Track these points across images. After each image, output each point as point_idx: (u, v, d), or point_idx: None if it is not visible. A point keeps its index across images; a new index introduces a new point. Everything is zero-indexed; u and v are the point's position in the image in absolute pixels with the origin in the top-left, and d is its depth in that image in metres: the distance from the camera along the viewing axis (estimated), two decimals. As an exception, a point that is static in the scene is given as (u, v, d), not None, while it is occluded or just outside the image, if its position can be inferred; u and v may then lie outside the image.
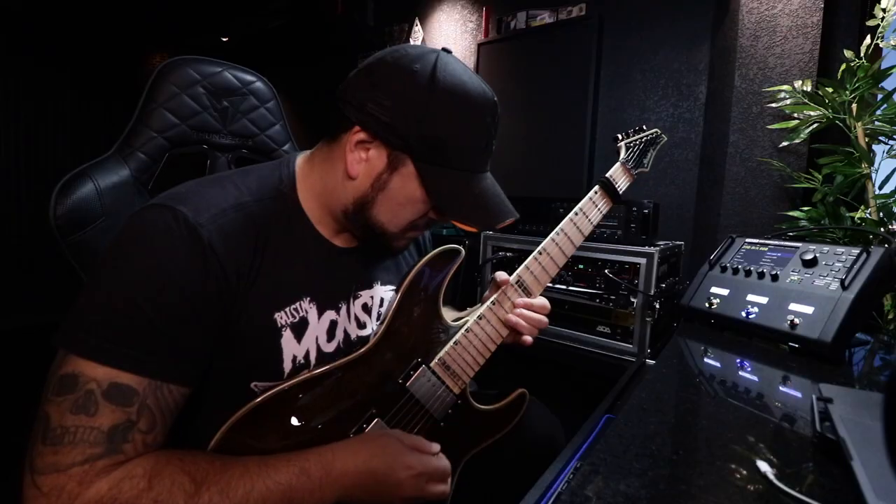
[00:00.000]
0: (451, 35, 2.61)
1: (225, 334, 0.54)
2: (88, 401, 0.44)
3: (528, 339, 0.72)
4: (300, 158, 0.65)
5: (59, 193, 0.65)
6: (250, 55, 3.67)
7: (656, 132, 0.88)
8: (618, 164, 0.80)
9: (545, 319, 0.73)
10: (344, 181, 0.60)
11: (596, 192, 0.77)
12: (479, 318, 0.70)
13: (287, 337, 0.58)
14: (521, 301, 0.72)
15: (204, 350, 0.52)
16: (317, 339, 0.62)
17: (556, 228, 0.74)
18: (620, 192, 0.79)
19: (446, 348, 0.68)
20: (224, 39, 3.86)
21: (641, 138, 0.86)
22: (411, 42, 2.77)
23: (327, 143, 0.62)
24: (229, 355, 0.55)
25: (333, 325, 0.64)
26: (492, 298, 0.71)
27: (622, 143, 0.84)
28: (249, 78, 0.88)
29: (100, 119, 3.82)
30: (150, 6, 3.56)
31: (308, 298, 0.61)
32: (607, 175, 0.78)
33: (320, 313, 0.62)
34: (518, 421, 0.76)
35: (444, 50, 0.60)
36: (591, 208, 0.77)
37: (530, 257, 0.73)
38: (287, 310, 0.58)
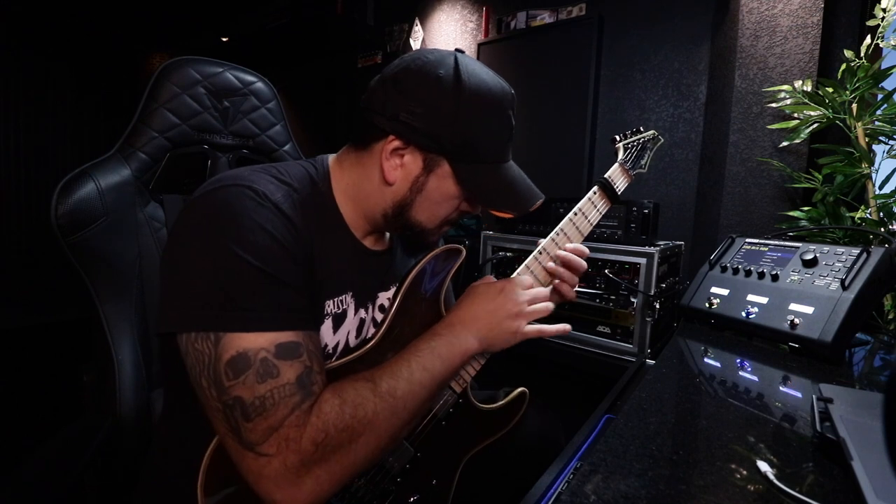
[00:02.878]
0: (451, 35, 2.61)
1: None
2: (268, 366, 0.46)
3: (570, 291, 0.74)
4: (331, 160, 0.66)
5: (60, 193, 0.66)
6: (250, 55, 3.68)
7: (654, 133, 0.89)
8: (616, 164, 0.80)
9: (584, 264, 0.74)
10: (381, 187, 0.61)
11: (595, 193, 0.77)
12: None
13: (327, 325, 0.60)
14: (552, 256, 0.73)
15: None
16: (348, 333, 0.64)
17: (556, 228, 0.74)
18: (619, 193, 0.79)
19: (447, 348, 0.68)
20: (224, 39, 3.86)
21: (639, 139, 0.86)
22: (411, 42, 2.77)
23: (356, 149, 0.63)
24: None
25: (362, 323, 0.66)
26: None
27: (620, 144, 0.84)
28: (250, 78, 0.88)
29: (101, 119, 3.82)
30: (151, 6, 3.56)
31: (350, 293, 0.63)
32: (606, 176, 0.78)
33: (356, 310, 0.65)
34: (518, 420, 0.76)
35: (458, 51, 0.62)
36: (590, 208, 0.77)
37: (530, 256, 0.73)
38: (335, 300, 0.61)
